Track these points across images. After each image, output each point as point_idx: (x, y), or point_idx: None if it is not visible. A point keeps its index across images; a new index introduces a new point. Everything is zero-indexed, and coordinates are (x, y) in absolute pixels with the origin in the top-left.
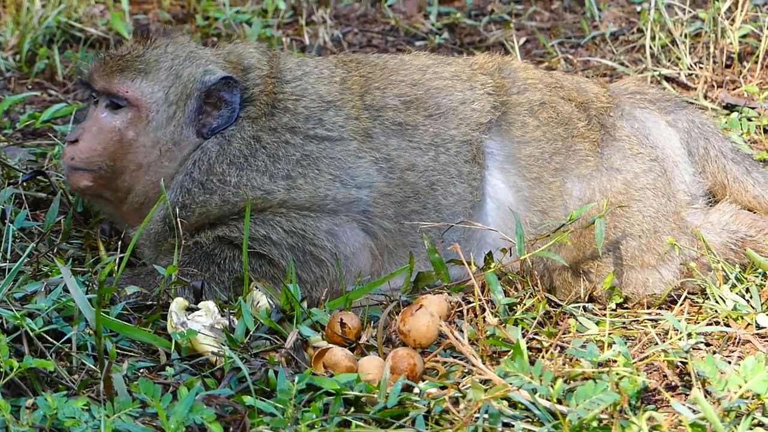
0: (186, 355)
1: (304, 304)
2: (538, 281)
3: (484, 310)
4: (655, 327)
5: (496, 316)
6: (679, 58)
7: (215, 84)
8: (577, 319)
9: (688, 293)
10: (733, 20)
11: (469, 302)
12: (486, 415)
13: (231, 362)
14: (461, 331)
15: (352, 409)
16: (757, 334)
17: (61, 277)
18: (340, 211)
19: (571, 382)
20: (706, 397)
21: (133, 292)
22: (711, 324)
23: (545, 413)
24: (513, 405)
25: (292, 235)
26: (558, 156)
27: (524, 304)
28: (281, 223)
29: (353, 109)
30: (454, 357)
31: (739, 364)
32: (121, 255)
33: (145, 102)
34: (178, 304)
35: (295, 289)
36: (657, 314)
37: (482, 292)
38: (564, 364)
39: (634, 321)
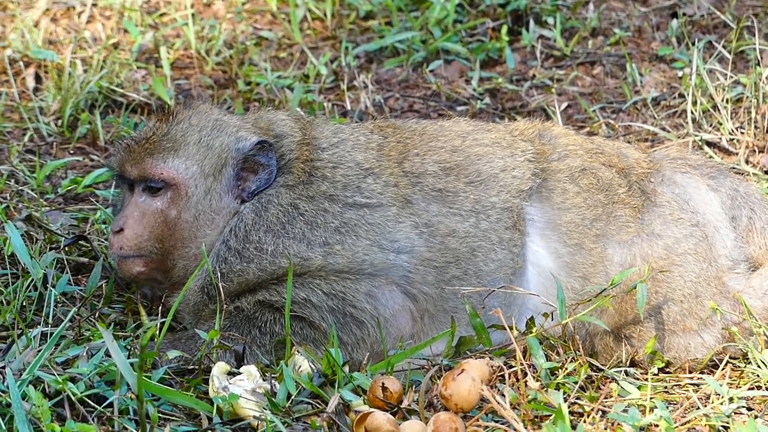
0: (228, 419)
1: (346, 368)
2: (580, 346)
3: (525, 375)
4: (696, 391)
5: (537, 381)
6: (721, 123)
7: (251, 150)
8: (618, 384)
9: (730, 357)
10: None
11: (511, 366)
12: None
13: (273, 426)
14: (503, 395)
15: None
16: None
17: (103, 342)
18: (379, 274)
19: None
20: None
21: (175, 357)
22: (753, 388)
23: None
24: None
25: (332, 298)
26: (599, 222)
27: (566, 369)
28: (320, 285)
29: (392, 176)
30: (496, 421)
31: None
32: (163, 320)
33: (182, 179)
34: (219, 368)
35: (336, 354)
36: (699, 378)
37: (524, 357)
38: (606, 429)
39: (676, 385)
